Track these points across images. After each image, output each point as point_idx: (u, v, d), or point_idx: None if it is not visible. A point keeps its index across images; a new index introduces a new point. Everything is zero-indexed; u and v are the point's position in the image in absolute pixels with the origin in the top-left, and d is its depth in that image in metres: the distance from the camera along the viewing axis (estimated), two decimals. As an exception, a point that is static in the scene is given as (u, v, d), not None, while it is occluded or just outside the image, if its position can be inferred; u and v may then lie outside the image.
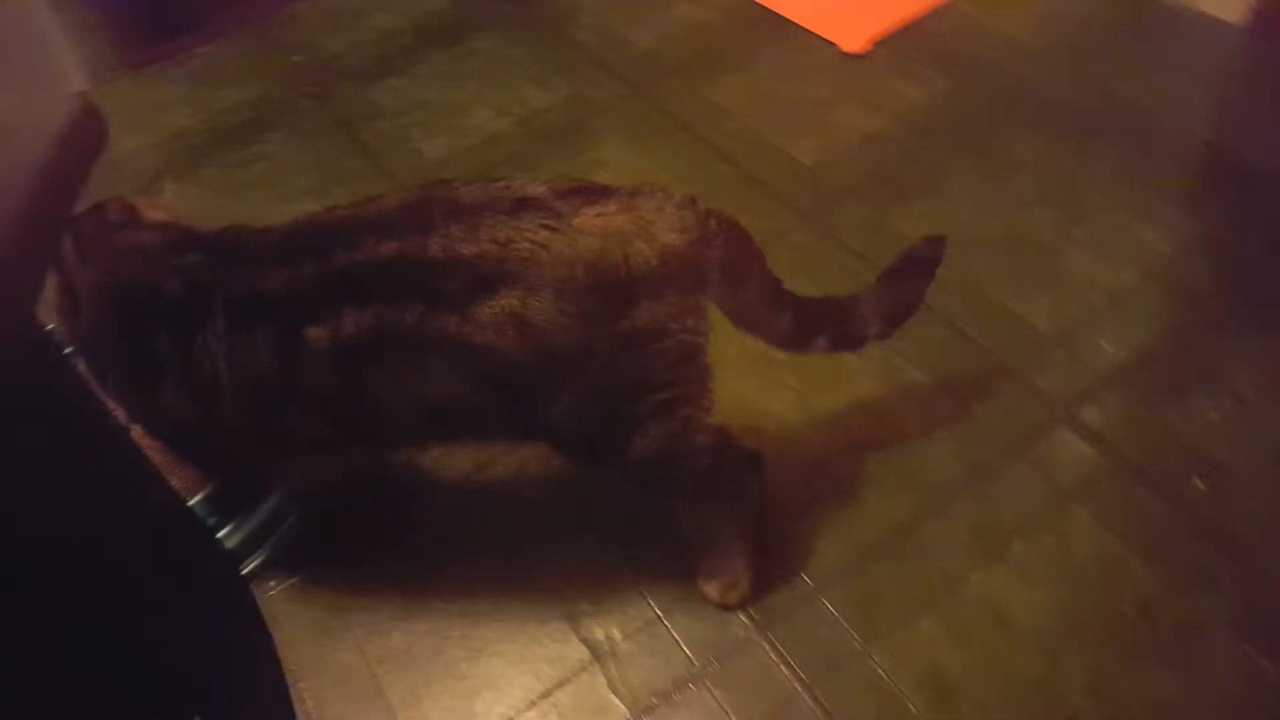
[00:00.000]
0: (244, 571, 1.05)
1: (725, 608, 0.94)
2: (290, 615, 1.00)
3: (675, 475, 0.87)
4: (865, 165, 1.34)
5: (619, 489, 0.92)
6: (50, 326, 0.87)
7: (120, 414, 0.95)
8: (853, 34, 1.51)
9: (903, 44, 1.50)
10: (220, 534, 1.05)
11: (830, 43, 1.51)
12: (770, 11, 1.60)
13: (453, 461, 1.10)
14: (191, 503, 1.05)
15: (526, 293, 0.77)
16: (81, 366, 0.90)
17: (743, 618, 0.93)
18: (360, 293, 0.80)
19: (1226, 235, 1.18)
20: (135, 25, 1.89)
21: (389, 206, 0.83)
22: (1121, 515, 0.96)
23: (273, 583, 1.03)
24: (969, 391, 1.08)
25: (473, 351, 0.78)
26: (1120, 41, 1.44)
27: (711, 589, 0.94)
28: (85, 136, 0.53)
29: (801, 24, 1.55)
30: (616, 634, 0.94)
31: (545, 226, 0.78)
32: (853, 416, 1.08)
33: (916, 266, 0.91)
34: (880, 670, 0.88)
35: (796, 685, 0.88)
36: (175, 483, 1.06)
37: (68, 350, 0.90)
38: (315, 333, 0.80)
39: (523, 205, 0.79)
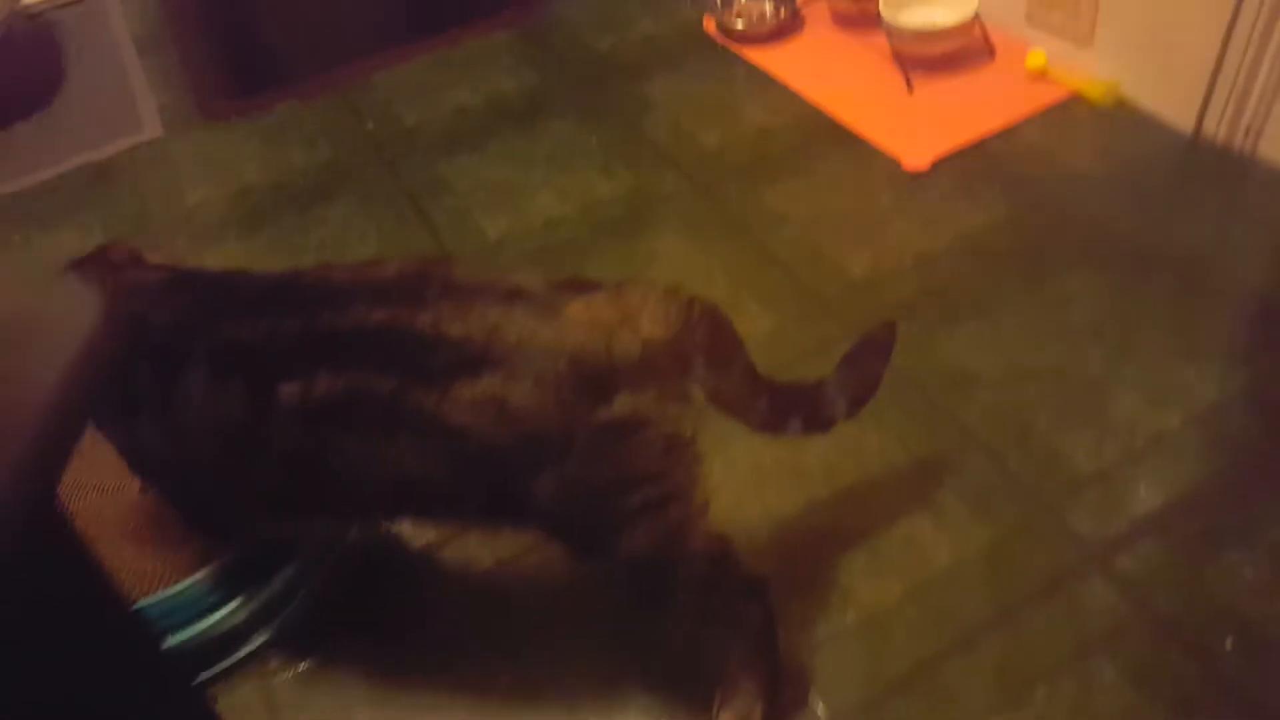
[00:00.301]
0: (248, 650, 1.06)
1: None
2: (294, 705, 1.01)
3: (670, 582, 0.86)
4: (918, 283, 1.36)
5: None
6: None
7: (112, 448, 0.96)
8: (915, 151, 1.53)
9: (965, 165, 1.52)
10: (227, 608, 1.06)
11: (892, 158, 1.54)
12: (835, 123, 1.63)
13: (475, 554, 1.11)
14: (200, 574, 1.06)
15: (509, 378, 0.78)
16: None
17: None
18: (339, 356, 0.81)
19: (1273, 388, 1.17)
20: (216, 76, 1.98)
21: (386, 274, 0.85)
22: (1149, 671, 0.94)
23: (277, 665, 1.04)
24: (1004, 525, 1.07)
25: (449, 430, 0.79)
26: (1183, 183, 1.44)
27: (724, 718, 0.93)
28: (98, 347, 0.54)
29: (865, 137, 1.58)
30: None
31: (534, 316, 0.80)
32: (885, 542, 1.08)
33: (873, 351, 0.97)
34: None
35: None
36: (187, 552, 1.09)
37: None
38: (288, 389, 0.81)
39: (516, 294, 0.81)
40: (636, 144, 1.68)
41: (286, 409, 0.82)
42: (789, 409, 0.90)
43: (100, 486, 1.16)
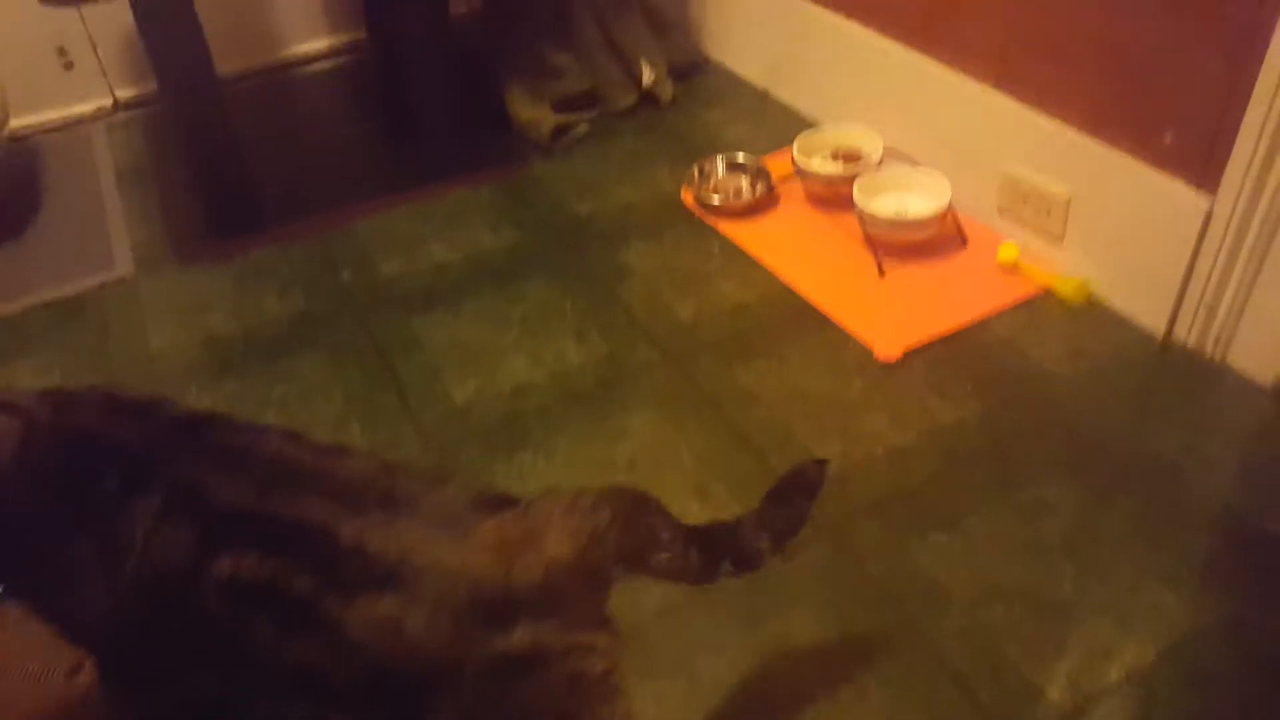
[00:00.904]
0: None
1: None
2: None
3: None
4: (888, 481, 1.32)
5: None
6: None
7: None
8: (887, 340, 1.51)
9: (937, 357, 1.50)
10: None
11: (864, 345, 1.52)
12: (809, 304, 1.62)
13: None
14: None
15: (408, 602, 0.76)
16: None
17: None
18: (274, 542, 0.79)
19: (1249, 611, 1.13)
20: (194, 217, 1.95)
21: (342, 471, 0.84)
22: None
23: None
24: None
25: (350, 643, 0.76)
26: (1155, 388, 1.43)
27: None
28: None
29: (836, 321, 1.57)
30: None
31: (446, 538, 0.78)
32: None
33: (800, 489, 0.92)
34: None
35: None
36: None
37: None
38: (224, 560, 0.79)
39: (440, 511, 0.80)
40: (611, 311, 1.66)
41: (216, 577, 0.79)
42: (717, 553, 0.86)
43: (28, 672, 1.07)
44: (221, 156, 1.89)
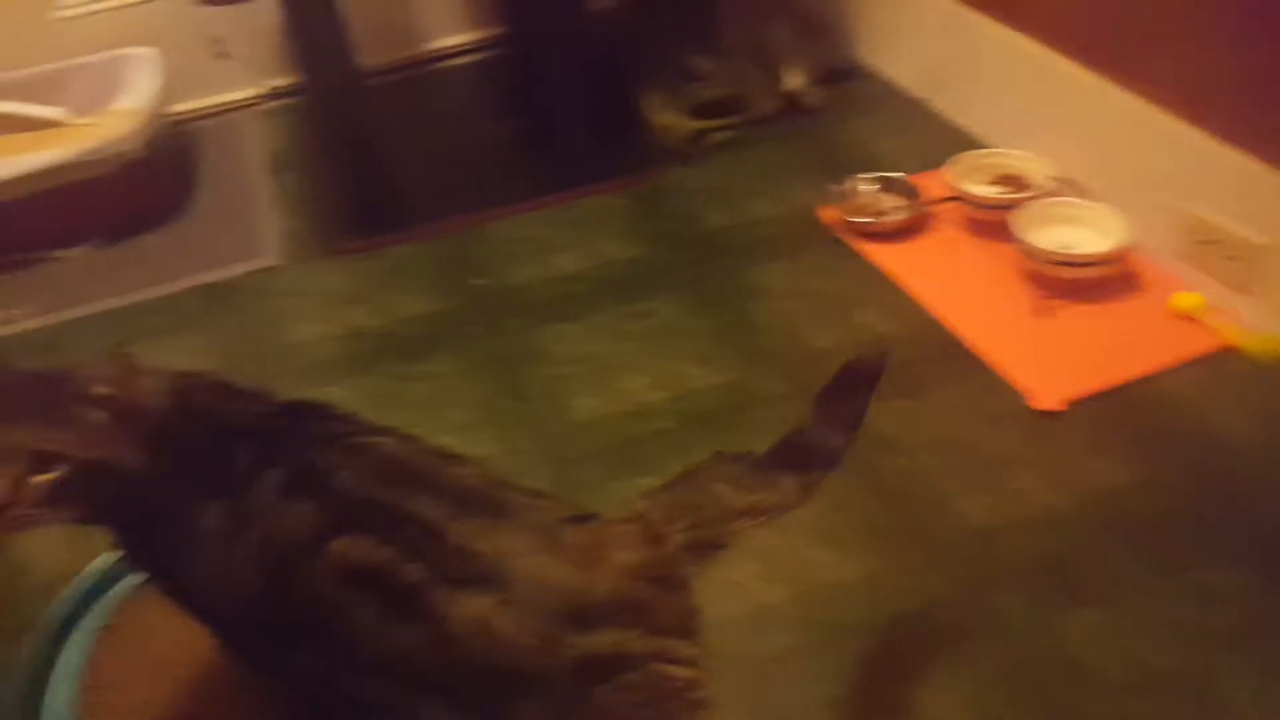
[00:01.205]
0: None
1: None
2: None
3: None
4: (1038, 547, 1.20)
5: None
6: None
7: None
8: (1045, 388, 1.38)
9: (1100, 411, 1.36)
10: None
11: (1018, 391, 1.39)
12: (956, 340, 1.50)
13: None
14: None
15: (502, 603, 0.79)
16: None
17: None
18: (390, 530, 0.83)
19: None
20: (339, 210, 1.97)
21: (458, 476, 0.88)
22: None
23: None
24: None
25: (447, 637, 0.80)
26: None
27: None
28: None
29: (989, 362, 1.45)
30: None
31: (536, 547, 0.82)
32: None
33: (859, 381, 0.95)
34: None
35: None
36: None
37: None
38: (342, 540, 0.83)
39: (537, 523, 0.84)
40: (740, 335, 1.58)
41: (332, 557, 0.83)
42: (801, 466, 0.90)
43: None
44: (362, 152, 1.91)
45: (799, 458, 0.90)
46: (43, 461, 0.83)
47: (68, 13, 2.23)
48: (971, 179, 1.72)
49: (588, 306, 1.68)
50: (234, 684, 1.14)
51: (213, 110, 2.40)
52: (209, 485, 0.88)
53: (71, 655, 1.18)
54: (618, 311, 1.65)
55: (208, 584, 0.90)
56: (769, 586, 1.19)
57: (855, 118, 2.08)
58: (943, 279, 1.62)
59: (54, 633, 1.21)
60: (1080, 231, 1.57)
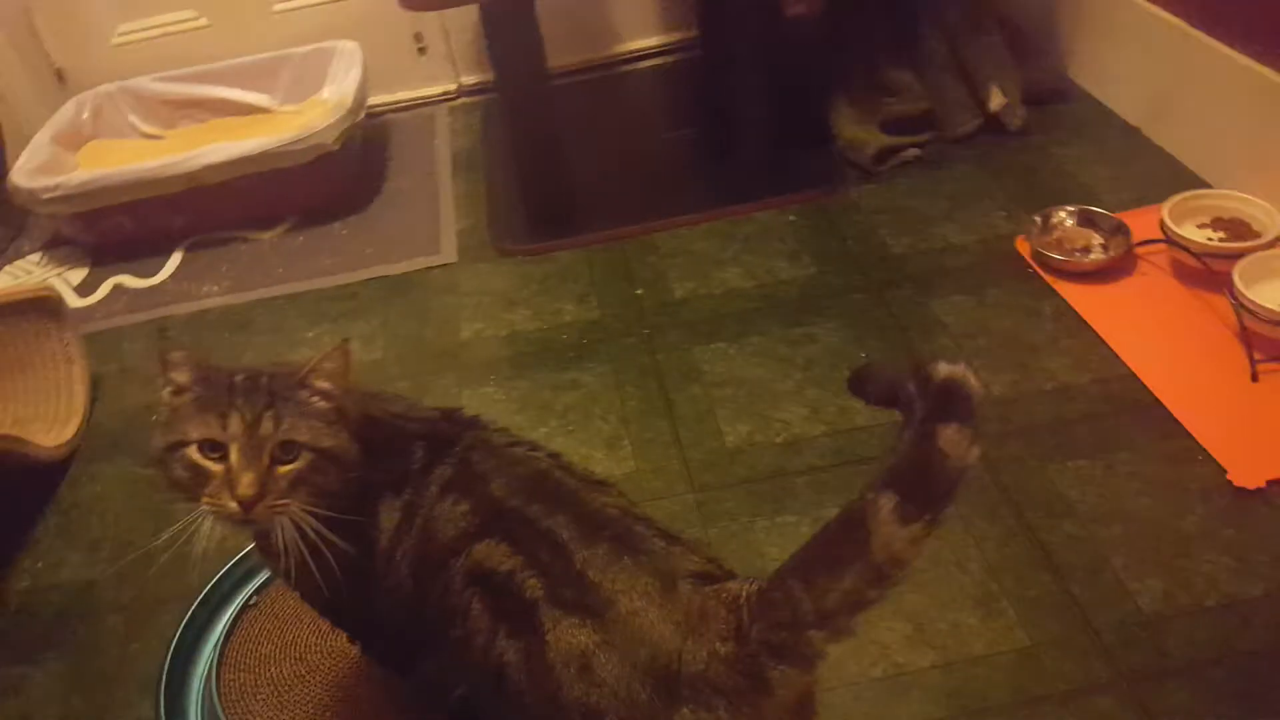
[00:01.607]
0: None
1: None
2: None
3: None
4: (1215, 642, 1.11)
5: None
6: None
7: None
8: (1248, 462, 1.27)
9: (1309, 495, 1.25)
10: None
11: (1216, 462, 1.29)
12: (1152, 397, 1.40)
13: None
14: None
15: (603, 643, 0.80)
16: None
17: None
18: (523, 543, 0.86)
19: None
20: (514, 212, 2.05)
21: (599, 502, 0.90)
22: None
23: None
24: None
25: (544, 665, 0.82)
26: None
27: None
28: None
29: (1186, 426, 1.35)
30: None
31: (649, 594, 0.81)
32: None
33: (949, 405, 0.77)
34: None
35: None
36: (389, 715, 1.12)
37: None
38: (485, 544, 0.87)
39: (659, 568, 0.83)
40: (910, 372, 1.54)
41: (469, 559, 0.88)
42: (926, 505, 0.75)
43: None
44: (545, 156, 1.97)
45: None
46: (288, 451, 0.88)
47: (286, 5, 2.43)
48: (1186, 221, 1.60)
49: (749, 326, 1.67)
50: (361, 674, 1.23)
51: (406, 104, 2.54)
52: (394, 481, 0.94)
53: (218, 630, 1.30)
54: (781, 335, 1.64)
55: (374, 578, 0.95)
56: (915, 651, 1.16)
57: (1062, 143, 1.98)
58: (1144, 329, 1.52)
59: (209, 607, 1.33)
60: (1308, 289, 1.44)
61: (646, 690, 0.78)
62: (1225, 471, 1.29)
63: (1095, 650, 1.12)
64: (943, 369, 0.77)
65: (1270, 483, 1.26)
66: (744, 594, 0.80)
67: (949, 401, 0.76)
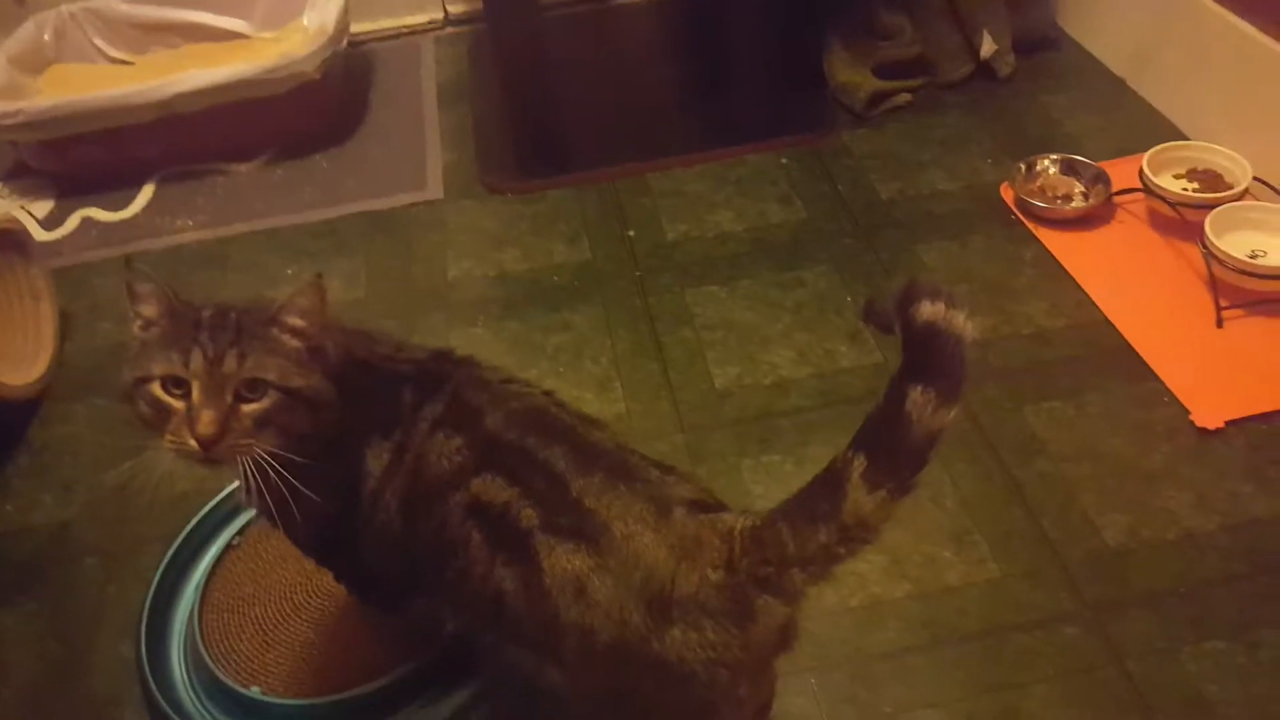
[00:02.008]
0: None
1: None
2: None
3: None
4: (1173, 572, 1.26)
5: None
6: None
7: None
8: (1209, 404, 1.42)
9: (1265, 436, 1.39)
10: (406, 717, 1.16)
11: (1181, 404, 1.43)
12: (1124, 342, 1.54)
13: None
14: (360, 691, 1.17)
15: (598, 567, 0.85)
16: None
17: None
18: (518, 474, 0.91)
19: None
20: (503, 148, 2.11)
21: (594, 436, 0.95)
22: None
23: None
24: None
25: (541, 590, 0.87)
26: None
27: None
28: None
29: (1156, 371, 1.48)
30: None
31: (644, 519, 0.86)
32: None
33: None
34: None
35: None
36: (354, 668, 1.21)
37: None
38: (483, 477, 0.92)
39: (654, 497, 0.88)
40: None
41: (466, 493, 0.93)
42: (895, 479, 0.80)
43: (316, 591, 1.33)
44: (535, 90, 2.03)
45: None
46: (252, 390, 0.90)
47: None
48: (1164, 171, 1.73)
49: (740, 270, 1.78)
50: (348, 614, 1.29)
51: (390, 33, 2.57)
52: (379, 423, 0.99)
53: (200, 570, 1.36)
54: (771, 279, 1.76)
55: (360, 520, 1.01)
56: (891, 582, 1.29)
57: (1049, 92, 2.10)
58: (1119, 275, 1.66)
59: (190, 547, 1.38)
60: (1275, 241, 1.58)
61: (640, 611, 0.84)
62: (1189, 413, 1.43)
63: (1062, 582, 1.27)
64: (925, 310, 0.78)
65: (1229, 423, 1.41)
66: (738, 528, 0.85)
67: (926, 353, 0.78)
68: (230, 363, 0.89)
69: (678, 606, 0.83)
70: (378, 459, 0.98)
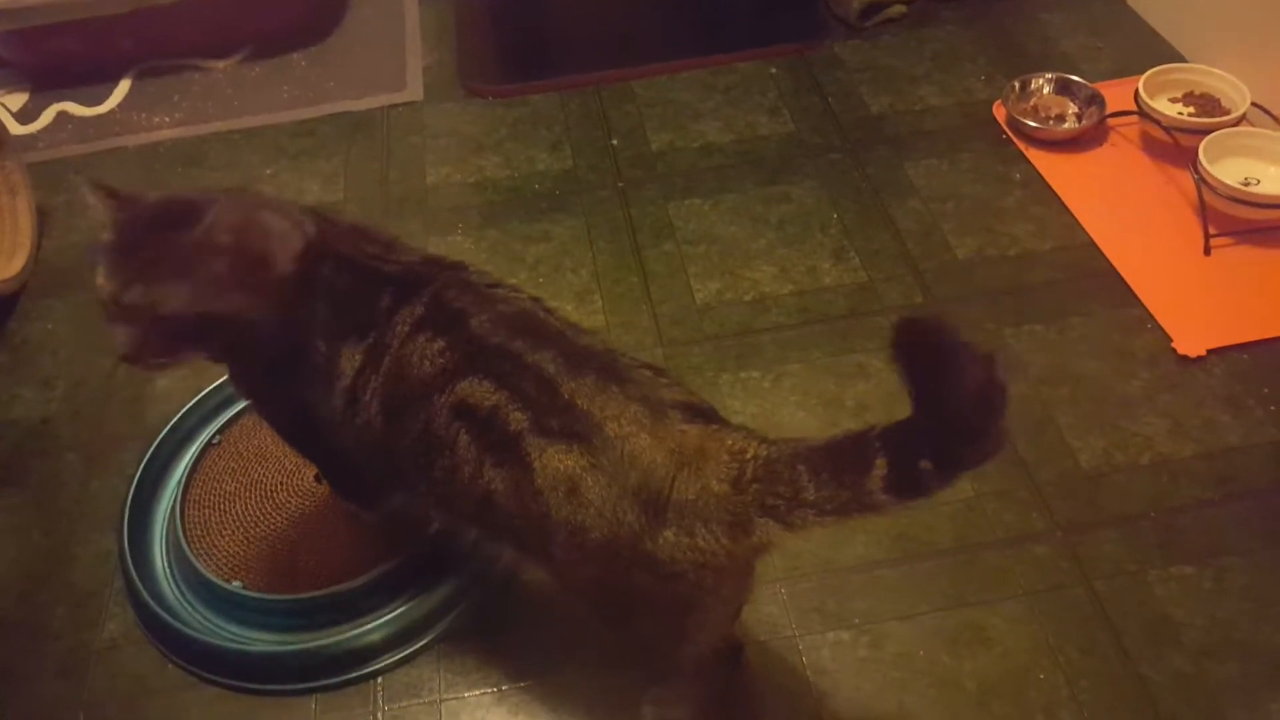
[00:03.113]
0: (372, 669, 1.17)
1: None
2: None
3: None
4: (1146, 497, 1.25)
5: None
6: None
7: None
8: (1191, 332, 1.40)
9: (1245, 366, 1.37)
10: (361, 625, 1.17)
11: (1163, 331, 1.42)
12: (1109, 266, 1.52)
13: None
14: (341, 587, 1.18)
15: (591, 467, 0.87)
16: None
17: None
18: (506, 377, 0.91)
19: None
20: (485, 50, 2.05)
21: (579, 341, 0.95)
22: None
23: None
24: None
25: (532, 489, 0.89)
26: None
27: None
28: None
29: (1140, 296, 1.46)
30: None
31: (640, 421, 0.87)
32: None
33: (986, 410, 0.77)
34: None
35: None
36: (335, 564, 1.22)
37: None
38: (463, 384, 0.92)
39: (646, 397, 0.89)
40: (879, 234, 1.62)
41: (451, 395, 0.93)
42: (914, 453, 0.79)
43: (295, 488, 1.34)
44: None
45: (906, 476, 0.80)
46: (161, 319, 0.93)
47: None
48: (1160, 94, 1.69)
49: (725, 183, 1.74)
50: (327, 510, 1.30)
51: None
52: (354, 325, 0.98)
53: (181, 467, 1.36)
54: (756, 193, 1.72)
55: (335, 419, 1.01)
56: (867, 504, 1.29)
57: (1046, 9, 2.03)
58: (1109, 199, 1.62)
59: (171, 444, 1.39)
60: (1269, 168, 1.54)
61: (634, 511, 0.86)
62: (1170, 340, 1.41)
63: (1035, 502, 1.26)
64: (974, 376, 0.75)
65: (1211, 351, 1.39)
66: (751, 452, 0.86)
67: (972, 415, 0.76)
68: (134, 293, 0.92)
69: (674, 509, 0.85)
70: (350, 360, 0.98)
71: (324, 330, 0.99)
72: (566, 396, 0.89)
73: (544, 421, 0.89)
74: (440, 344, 0.95)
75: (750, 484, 0.85)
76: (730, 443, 0.87)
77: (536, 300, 1.02)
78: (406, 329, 0.96)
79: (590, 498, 0.87)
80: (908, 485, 0.79)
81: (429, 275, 1.00)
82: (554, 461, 0.88)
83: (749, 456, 0.86)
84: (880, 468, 0.79)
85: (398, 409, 0.97)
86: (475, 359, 0.93)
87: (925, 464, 0.77)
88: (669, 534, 0.85)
